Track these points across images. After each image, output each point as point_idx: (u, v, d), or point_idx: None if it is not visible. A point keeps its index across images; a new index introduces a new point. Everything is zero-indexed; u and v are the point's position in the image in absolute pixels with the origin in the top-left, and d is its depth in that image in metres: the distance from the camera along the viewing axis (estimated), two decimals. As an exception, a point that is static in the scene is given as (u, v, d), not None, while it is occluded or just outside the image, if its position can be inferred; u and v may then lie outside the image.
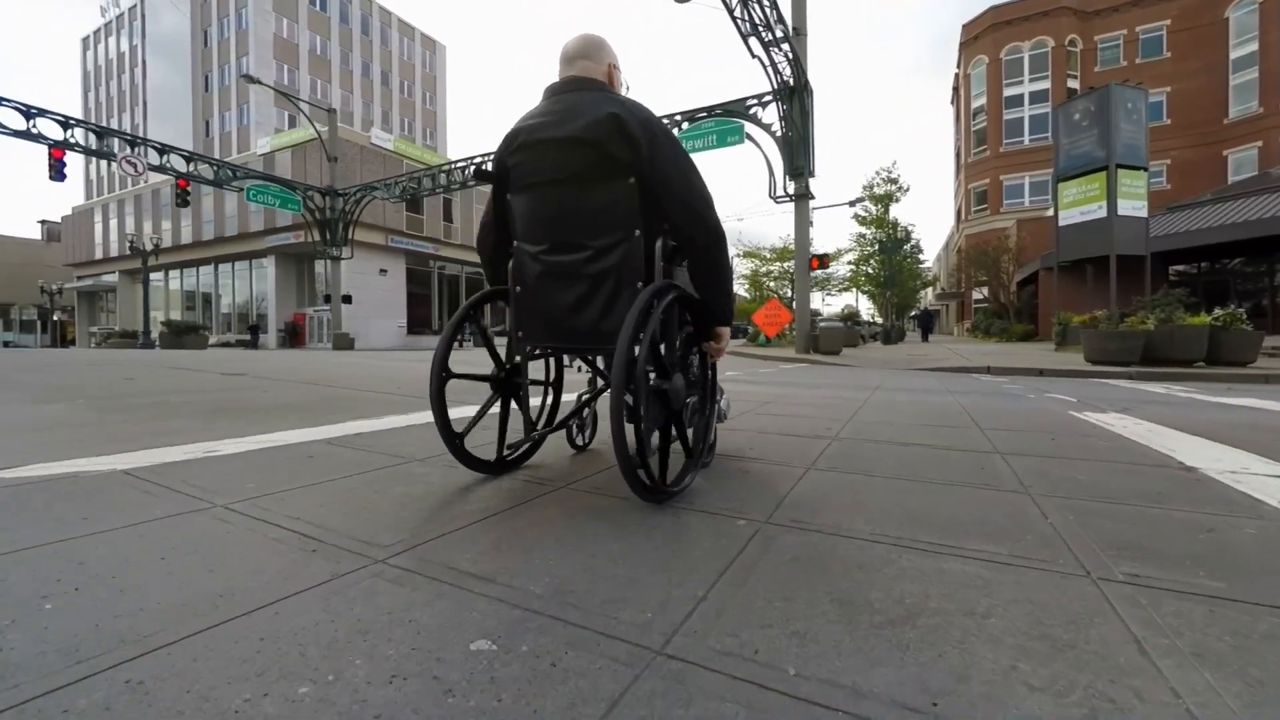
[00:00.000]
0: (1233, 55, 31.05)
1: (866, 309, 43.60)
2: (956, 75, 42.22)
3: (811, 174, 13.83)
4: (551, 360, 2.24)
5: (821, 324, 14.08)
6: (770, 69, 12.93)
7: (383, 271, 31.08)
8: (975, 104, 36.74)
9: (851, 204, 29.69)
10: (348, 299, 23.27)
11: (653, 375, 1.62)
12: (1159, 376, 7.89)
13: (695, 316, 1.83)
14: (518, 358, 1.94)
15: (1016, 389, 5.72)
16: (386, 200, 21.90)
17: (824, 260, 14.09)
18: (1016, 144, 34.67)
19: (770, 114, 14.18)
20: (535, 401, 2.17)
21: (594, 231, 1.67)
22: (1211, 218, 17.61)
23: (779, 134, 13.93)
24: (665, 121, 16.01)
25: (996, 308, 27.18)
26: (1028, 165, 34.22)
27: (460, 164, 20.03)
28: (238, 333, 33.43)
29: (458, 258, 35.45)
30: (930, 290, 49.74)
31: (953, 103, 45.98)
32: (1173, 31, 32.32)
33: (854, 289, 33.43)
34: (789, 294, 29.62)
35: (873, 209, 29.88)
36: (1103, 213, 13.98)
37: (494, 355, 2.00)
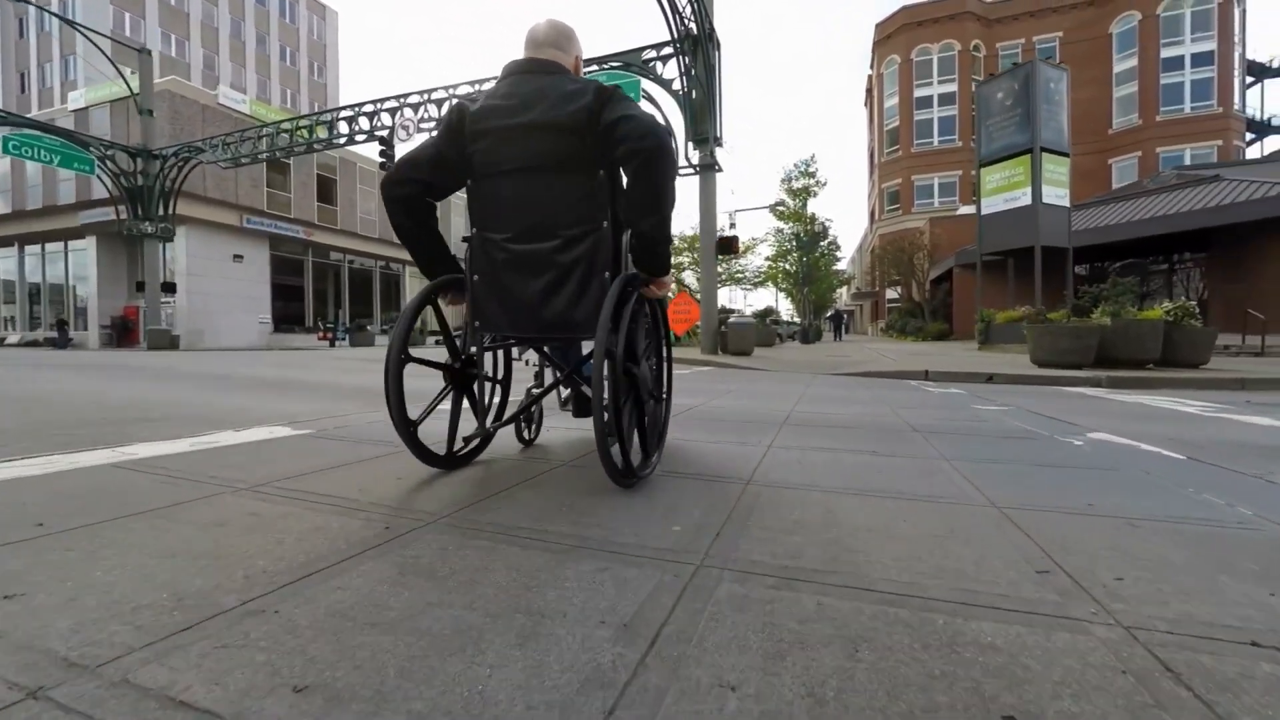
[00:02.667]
0: (1116, 69, 32.69)
1: (786, 309, 43.05)
2: (870, 76, 42.53)
3: (719, 142, 11.70)
4: (500, 354, 2.17)
5: (731, 321, 11.99)
6: (669, 8, 10.64)
7: (237, 257, 26.29)
8: (888, 103, 36.85)
9: (773, 208, 28.40)
10: (169, 287, 18.85)
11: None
12: (1131, 383, 6.23)
13: (637, 261, 1.76)
14: (473, 349, 1.90)
15: (1006, 414, 3.63)
16: (216, 164, 17.72)
17: (732, 244, 12.02)
18: (927, 144, 34.98)
19: (672, 69, 11.90)
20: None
21: (564, 221, 1.65)
22: (1105, 217, 17.30)
23: (681, 92, 11.68)
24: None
25: (911, 307, 26.71)
26: (937, 166, 34.59)
27: (306, 122, 16.34)
28: (49, 329, 27.26)
29: (341, 245, 31.00)
30: (846, 290, 50.25)
31: (866, 105, 46.49)
32: (1065, 43, 33.65)
33: (771, 284, 32.18)
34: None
35: (790, 203, 28.71)
36: (1028, 200, 12.86)
37: (450, 345, 1.91)
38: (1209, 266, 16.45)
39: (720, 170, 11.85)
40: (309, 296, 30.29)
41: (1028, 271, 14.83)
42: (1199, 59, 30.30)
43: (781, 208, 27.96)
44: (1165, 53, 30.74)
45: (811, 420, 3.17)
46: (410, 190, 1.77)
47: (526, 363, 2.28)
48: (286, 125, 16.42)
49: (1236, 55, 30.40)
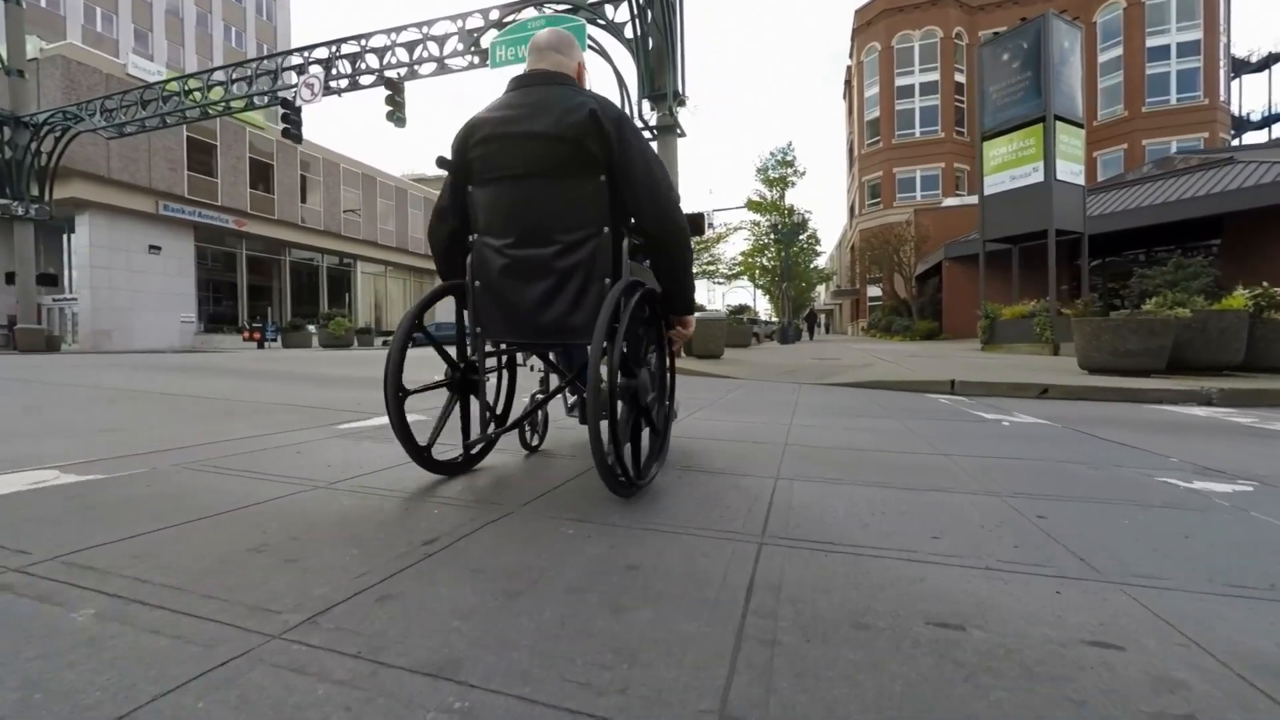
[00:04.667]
0: (1100, 59, 31.64)
1: (765, 309, 41.32)
2: (849, 68, 41.12)
3: (681, 99, 9.68)
4: (504, 358, 2.15)
5: (697, 317, 9.93)
6: (614, -74, 8.58)
7: (154, 249, 23.49)
8: (868, 92, 35.37)
9: (750, 204, 26.50)
10: (48, 279, 16.12)
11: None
12: (1250, 398, 4.34)
13: (661, 307, 1.82)
14: (474, 355, 1.87)
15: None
16: (98, 132, 15.08)
17: (697, 222, 9.96)
18: (909, 135, 33.55)
19: (624, 12, 9.84)
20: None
21: (563, 226, 1.63)
22: (1105, 205, 15.77)
23: (634, 39, 9.62)
24: (476, 17, 11.21)
25: (896, 304, 25.08)
26: (919, 158, 33.20)
27: (197, 83, 13.76)
28: (-66, 330, 24.06)
29: (280, 237, 28.21)
30: (825, 287, 48.84)
31: (845, 97, 45.13)
32: (1048, 32, 32.52)
33: (746, 276, 30.12)
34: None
35: (767, 194, 26.90)
36: (1039, 176, 11.09)
37: (444, 357, 1.91)
38: (1222, 256, 14.96)
39: (683, 134, 9.83)
40: (243, 293, 27.46)
41: (1032, 262, 13.13)
42: (1185, 49, 29.37)
43: (756, 196, 26.12)
44: (1150, 42, 29.74)
45: (823, 581, 1.08)
46: (443, 245, 1.83)
47: (531, 368, 2.25)
48: (174, 85, 13.86)
49: (1222, 45, 29.56)
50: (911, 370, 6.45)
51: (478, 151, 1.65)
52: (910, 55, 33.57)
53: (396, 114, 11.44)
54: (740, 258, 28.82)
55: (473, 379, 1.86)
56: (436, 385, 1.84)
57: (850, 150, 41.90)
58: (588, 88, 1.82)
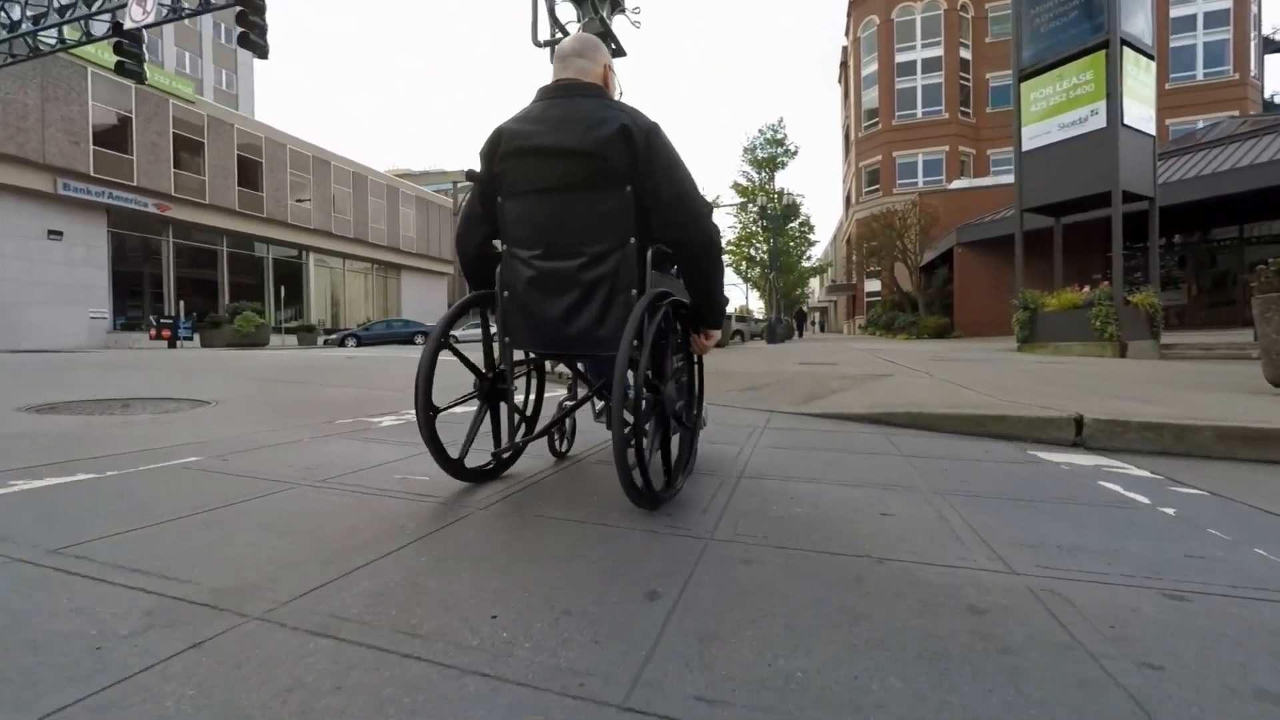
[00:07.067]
0: (1117, 33, 29.10)
1: (758, 306, 38.64)
2: (845, 47, 38.46)
3: (616, 2, 6.91)
4: (532, 365, 2.20)
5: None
6: None
7: (54, 234, 20.56)
8: (866, 70, 32.68)
9: (742, 194, 23.74)
10: None
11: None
12: None
13: (687, 319, 1.83)
14: (502, 365, 1.91)
15: None
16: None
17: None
18: (910, 116, 30.89)
19: (539, -117, 7.05)
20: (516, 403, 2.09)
21: (588, 239, 1.65)
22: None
23: (550, -87, 6.86)
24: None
25: (899, 298, 22.40)
26: (921, 141, 30.55)
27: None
28: None
29: (214, 224, 25.26)
30: (819, 281, 46.17)
31: (840, 80, 42.49)
32: (1061, 4, 29.95)
33: (732, 268, 27.34)
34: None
35: (755, 176, 24.16)
36: (1099, 121, 8.40)
37: (471, 368, 1.91)
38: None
39: (621, 52, 7.06)
40: (169, 287, 24.42)
41: (1074, 241, 10.49)
42: (1212, 19, 26.83)
43: (743, 179, 23.40)
44: (1174, 11, 27.17)
45: None
46: (472, 254, 1.86)
47: (560, 375, 2.25)
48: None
49: (1252, 15, 27.05)
50: (963, 387, 3.70)
51: (505, 165, 1.65)
52: (911, 29, 30.91)
53: (252, 37, 8.63)
54: (728, 246, 26.05)
55: (501, 387, 1.86)
56: (466, 399, 1.85)
57: (846, 135, 39.22)
58: (617, 92, 1.80)
